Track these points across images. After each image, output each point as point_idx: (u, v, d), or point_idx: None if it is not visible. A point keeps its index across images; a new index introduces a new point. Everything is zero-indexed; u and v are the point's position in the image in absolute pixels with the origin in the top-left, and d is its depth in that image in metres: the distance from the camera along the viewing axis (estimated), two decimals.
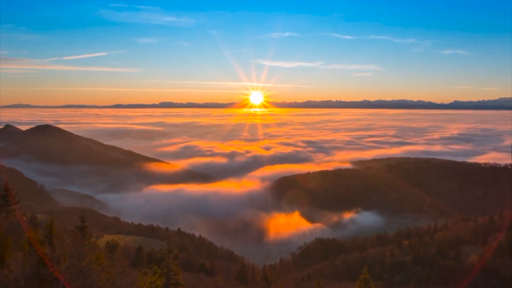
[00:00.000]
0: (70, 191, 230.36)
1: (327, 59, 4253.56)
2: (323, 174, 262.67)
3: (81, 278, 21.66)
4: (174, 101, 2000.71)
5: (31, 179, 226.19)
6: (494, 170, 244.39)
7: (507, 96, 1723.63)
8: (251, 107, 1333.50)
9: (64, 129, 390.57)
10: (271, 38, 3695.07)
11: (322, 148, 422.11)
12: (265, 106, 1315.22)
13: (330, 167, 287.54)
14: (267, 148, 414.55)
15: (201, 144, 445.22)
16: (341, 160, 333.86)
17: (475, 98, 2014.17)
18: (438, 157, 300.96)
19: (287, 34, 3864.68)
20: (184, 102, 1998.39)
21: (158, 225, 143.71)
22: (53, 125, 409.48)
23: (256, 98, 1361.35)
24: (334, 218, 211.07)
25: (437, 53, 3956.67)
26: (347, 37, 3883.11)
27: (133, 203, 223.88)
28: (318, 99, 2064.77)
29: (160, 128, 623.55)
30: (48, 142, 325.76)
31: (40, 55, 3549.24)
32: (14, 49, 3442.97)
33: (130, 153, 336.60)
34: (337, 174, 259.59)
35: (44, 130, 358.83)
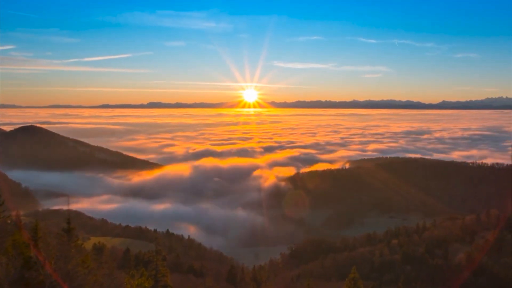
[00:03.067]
0: (56, 193, 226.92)
1: (341, 61, 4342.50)
2: (314, 174, 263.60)
3: (67, 281, 21.12)
4: (163, 101, 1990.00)
5: (16, 180, 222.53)
6: (481, 169, 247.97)
7: (493, 96, 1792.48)
8: (243, 106, 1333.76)
9: (48, 129, 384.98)
10: (297, 41, 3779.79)
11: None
12: (260, 106, 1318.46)
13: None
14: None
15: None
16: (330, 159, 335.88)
17: (463, 98, 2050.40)
18: (427, 157, 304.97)
19: (314, 37, 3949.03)
20: (173, 102, 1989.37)
21: (146, 227, 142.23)
22: (37, 125, 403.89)
23: (248, 98, 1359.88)
24: (324, 217, 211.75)
25: (450, 57, 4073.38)
26: (371, 41, 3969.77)
27: (121, 204, 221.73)
28: (308, 99, 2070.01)
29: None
30: (32, 143, 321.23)
31: (63, 56, 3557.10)
32: (39, 50, 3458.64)
33: (117, 154, 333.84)
34: (328, 174, 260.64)
35: (28, 131, 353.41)
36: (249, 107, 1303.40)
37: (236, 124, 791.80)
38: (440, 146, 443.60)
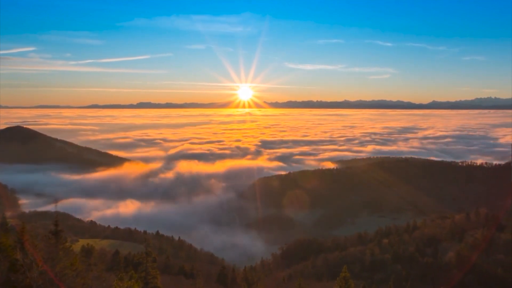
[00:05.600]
0: (44, 194, 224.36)
1: (351, 62, 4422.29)
2: (305, 174, 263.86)
3: (55, 284, 20.69)
4: (153, 101, 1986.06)
5: (2, 182, 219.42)
6: (470, 169, 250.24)
7: (482, 96, 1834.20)
8: (236, 106, 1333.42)
9: (35, 130, 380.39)
10: (316, 44, 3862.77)
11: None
12: (256, 106, 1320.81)
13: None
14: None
15: None
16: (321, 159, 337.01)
17: (452, 99, 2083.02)
18: (416, 156, 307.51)
19: (334, 41, 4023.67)
20: (163, 102, 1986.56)
21: (135, 228, 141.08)
22: (23, 126, 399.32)
23: (241, 98, 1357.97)
24: (315, 217, 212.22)
25: (458, 59, 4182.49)
26: (388, 44, 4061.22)
27: (112, 205, 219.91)
28: (299, 99, 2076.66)
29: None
30: (19, 143, 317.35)
31: (82, 57, 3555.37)
32: (60, 52, 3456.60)
33: (106, 155, 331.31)
34: (319, 174, 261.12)
35: (14, 132, 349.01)
36: (243, 106, 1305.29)
37: (227, 123, 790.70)
38: (432, 145, 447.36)
